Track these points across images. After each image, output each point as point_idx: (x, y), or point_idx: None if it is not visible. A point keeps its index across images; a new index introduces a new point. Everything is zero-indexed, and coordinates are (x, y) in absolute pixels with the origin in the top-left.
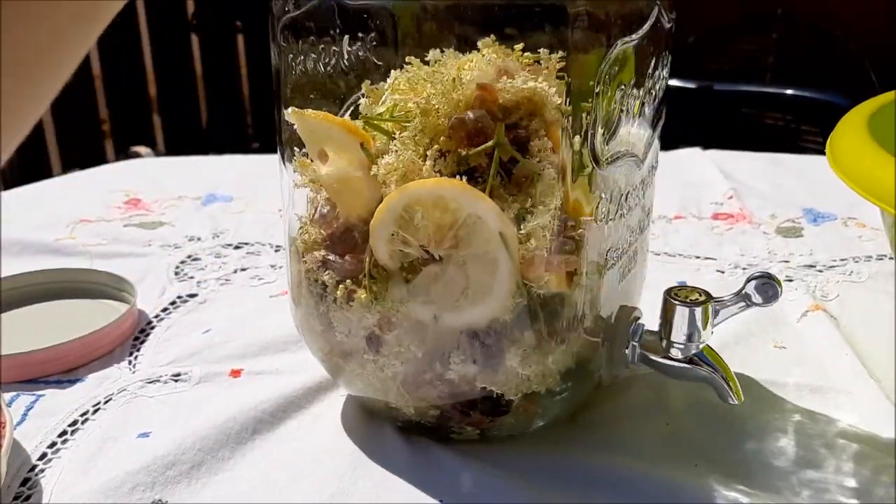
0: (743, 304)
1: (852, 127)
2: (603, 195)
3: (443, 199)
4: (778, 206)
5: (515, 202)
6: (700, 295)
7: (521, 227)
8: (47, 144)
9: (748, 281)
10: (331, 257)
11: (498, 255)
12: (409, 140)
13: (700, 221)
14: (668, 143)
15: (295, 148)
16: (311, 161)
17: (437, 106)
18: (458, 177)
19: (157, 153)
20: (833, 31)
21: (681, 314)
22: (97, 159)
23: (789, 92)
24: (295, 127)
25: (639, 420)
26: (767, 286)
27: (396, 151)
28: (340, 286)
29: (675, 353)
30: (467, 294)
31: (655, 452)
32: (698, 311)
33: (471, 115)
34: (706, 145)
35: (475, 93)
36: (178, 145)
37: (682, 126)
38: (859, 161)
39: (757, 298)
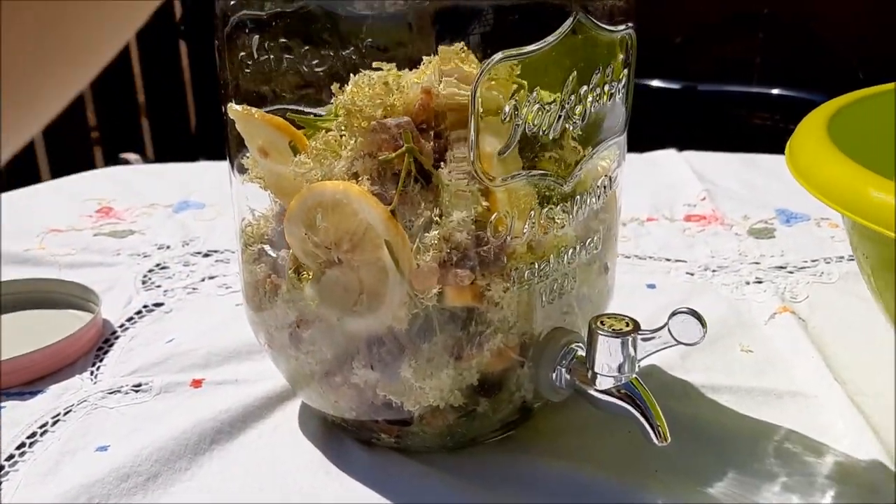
0: (668, 340)
1: (811, 129)
2: (507, 211)
3: (341, 203)
4: (751, 208)
5: (426, 210)
6: (627, 325)
7: (423, 236)
8: (36, 152)
9: (671, 316)
10: (267, 249)
11: (386, 263)
12: (331, 140)
13: (672, 223)
14: (652, 144)
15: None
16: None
17: (361, 108)
18: (372, 181)
19: (147, 160)
20: (820, 32)
21: (603, 343)
22: (86, 167)
23: (775, 92)
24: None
25: (602, 428)
26: (688, 322)
27: (314, 150)
28: (268, 279)
29: (599, 382)
30: (362, 300)
31: (616, 459)
32: (618, 342)
33: (392, 120)
34: (691, 146)
35: (419, 97)
36: (167, 151)
37: (665, 127)
38: (817, 164)
39: (680, 336)
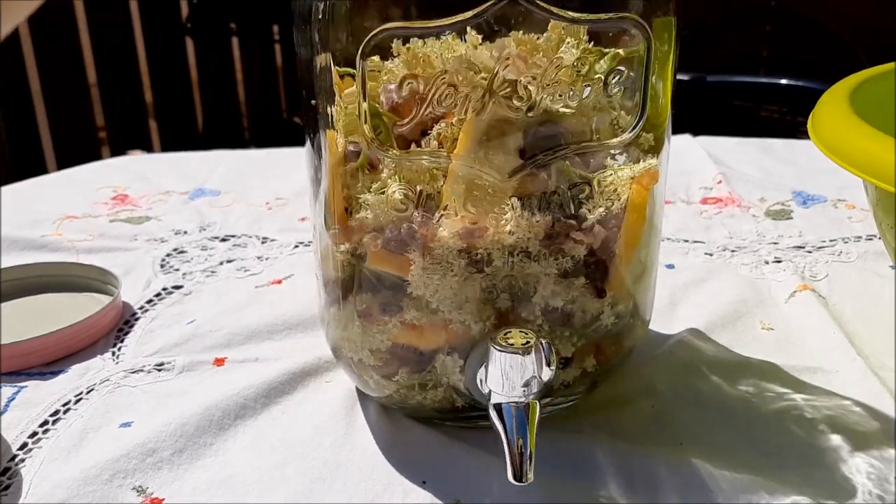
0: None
1: (834, 100)
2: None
3: None
4: (767, 190)
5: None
6: (526, 343)
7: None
8: (44, 151)
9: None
10: None
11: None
12: None
13: (689, 206)
14: None
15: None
16: None
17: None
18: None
19: None
20: (827, 23)
21: (495, 357)
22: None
23: (783, 82)
24: None
25: (626, 404)
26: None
27: None
28: None
29: (492, 398)
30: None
31: (640, 433)
32: (508, 358)
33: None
34: (700, 135)
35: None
36: (174, 150)
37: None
38: (840, 134)
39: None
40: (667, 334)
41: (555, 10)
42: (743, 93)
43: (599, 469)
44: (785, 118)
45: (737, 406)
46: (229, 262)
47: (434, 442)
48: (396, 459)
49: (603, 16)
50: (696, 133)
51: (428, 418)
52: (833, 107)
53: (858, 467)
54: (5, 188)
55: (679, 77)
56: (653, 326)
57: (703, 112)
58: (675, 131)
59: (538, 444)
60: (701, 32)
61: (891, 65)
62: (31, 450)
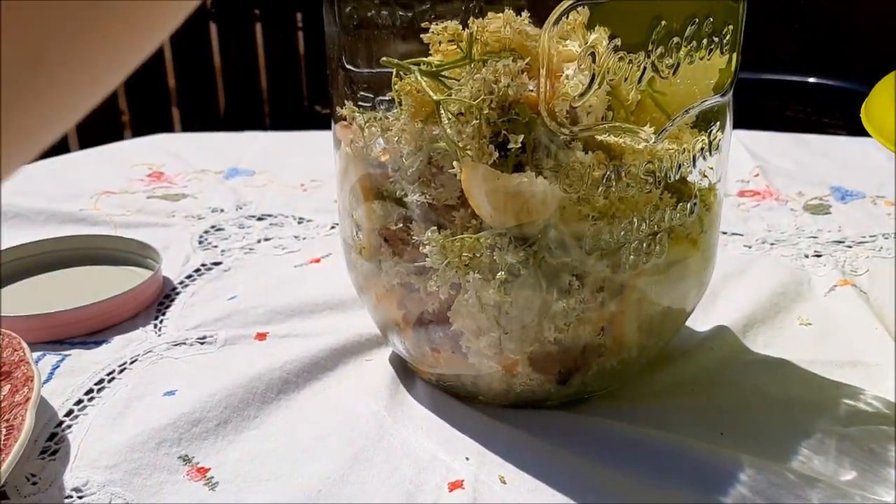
0: None
1: (887, 91)
2: None
3: None
4: (805, 185)
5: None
6: None
7: None
8: (67, 136)
9: None
10: None
11: None
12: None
13: (727, 198)
14: None
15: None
16: None
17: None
18: None
19: None
20: (856, 21)
21: None
22: None
23: (811, 80)
24: None
25: (666, 394)
26: None
27: None
28: None
29: None
30: None
31: (682, 422)
32: None
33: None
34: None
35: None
36: None
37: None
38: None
39: None
40: (705, 328)
41: None
42: (770, 90)
43: (639, 455)
44: (810, 118)
45: (777, 397)
46: (267, 240)
47: (477, 419)
48: (439, 435)
49: None
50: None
51: (471, 397)
52: (887, 96)
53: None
54: (39, 163)
55: None
56: (692, 319)
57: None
58: None
59: (577, 428)
60: None
61: None
62: (77, 416)
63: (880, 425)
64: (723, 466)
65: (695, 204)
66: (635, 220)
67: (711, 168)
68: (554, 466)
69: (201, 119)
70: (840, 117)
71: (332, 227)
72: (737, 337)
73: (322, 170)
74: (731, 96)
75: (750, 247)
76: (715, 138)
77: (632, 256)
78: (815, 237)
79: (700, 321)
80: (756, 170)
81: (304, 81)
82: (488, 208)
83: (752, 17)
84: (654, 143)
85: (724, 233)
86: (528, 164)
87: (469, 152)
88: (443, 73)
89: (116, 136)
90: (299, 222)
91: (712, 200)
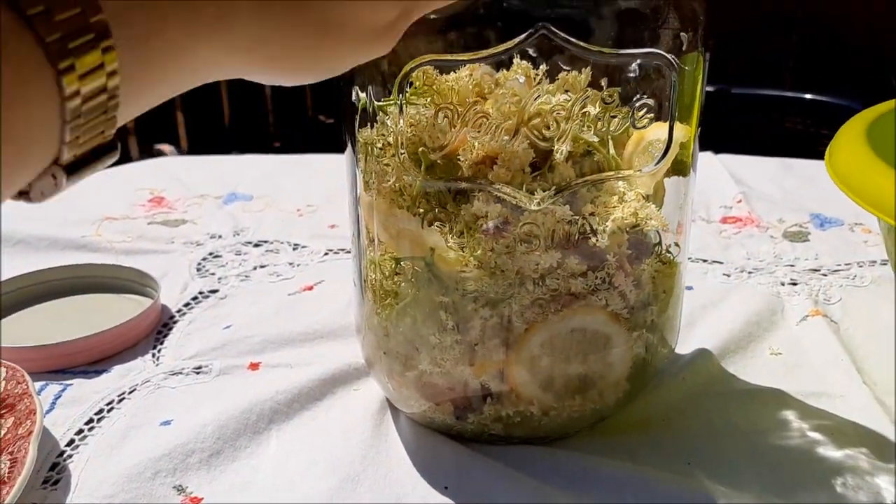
0: None
1: (851, 136)
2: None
3: None
4: (786, 211)
5: None
6: None
7: None
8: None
9: None
10: None
11: None
12: None
13: (709, 224)
14: None
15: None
16: None
17: None
18: None
19: (181, 151)
20: (854, 35)
21: None
22: (122, 156)
23: (808, 96)
24: None
25: (640, 426)
26: None
27: None
28: None
29: None
30: None
31: (652, 454)
32: None
33: None
34: (724, 149)
35: None
36: (201, 143)
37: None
38: (856, 170)
39: None
40: (681, 356)
41: (585, 45)
42: (767, 106)
43: (610, 486)
44: (808, 130)
45: (743, 428)
46: (262, 267)
47: (456, 451)
48: (420, 464)
49: (632, 52)
50: (719, 145)
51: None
52: (850, 141)
53: (858, 487)
54: None
55: (705, 88)
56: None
57: (726, 124)
58: (701, 142)
59: (551, 461)
60: (726, 43)
61: None
62: (77, 446)
63: (840, 457)
64: (689, 498)
65: (609, 276)
66: (519, 277)
67: (677, 245)
68: (527, 497)
69: (206, 126)
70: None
71: (326, 254)
72: (709, 367)
73: (318, 194)
74: (691, 179)
75: (729, 275)
76: (646, 218)
77: (525, 313)
78: (792, 265)
79: (678, 349)
80: (739, 195)
81: (308, 92)
82: (384, 234)
83: (751, 29)
84: (541, 207)
85: (705, 261)
86: (421, 204)
87: (371, 183)
88: (384, 109)
89: (121, 141)
90: (294, 248)
91: (668, 281)
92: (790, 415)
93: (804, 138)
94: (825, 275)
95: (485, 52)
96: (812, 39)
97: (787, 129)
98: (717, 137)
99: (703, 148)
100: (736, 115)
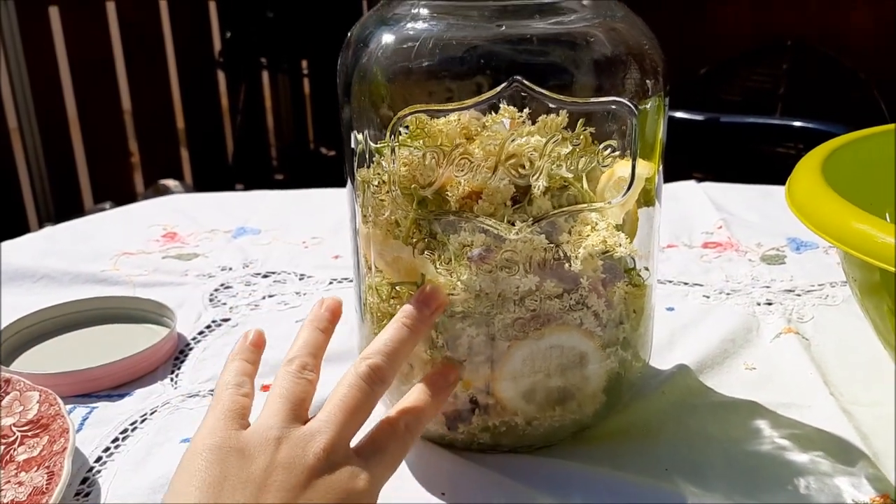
0: None
1: (807, 169)
2: None
3: None
4: (764, 236)
5: None
6: None
7: None
8: (79, 176)
9: None
10: None
11: None
12: None
13: (690, 250)
14: (675, 175)
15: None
16: None
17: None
18: None
19: (185, 186)
20: (844, 62)
21: None
22: (127, 191)
23: (797, 124)
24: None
25: (621, 436)
26: None
27: None
28: None
29: None
30: None
31: (632, 460)
32: None
33: None
34: (713, 177)
35: None
36: (204, 178)
37: (689, 158)
38: (811, 200)
39: None
40: (661, 371)
41: (554, 95)
42: (756, 134)
43: (592, 489)
44: (800, 154)
45: (718, 436)
46: (271, 296)
47: (452, 460)
48: (419, 472)
49: (597, 99)
50: (707, 170)
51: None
52: (806, 174)
53: (820, 489)
54: (62, 225)
55: (693, 117)
56: (651, 363)
57: (716, 152)
58: (688, 170)
59: (537, 470)
60: (718, 70)
61: (861, 132)
62: (105, 462)
63: (810, 454)
64: (665, 499)
65: (583, 297)
66: (501, 298)
67: (647, 269)
68: (516, 500)
69: (210, 161)
70: None
71: (331, 283)
72: (687, 381)
73: (322, 227)
74: (657, 209)
75: (708, 297)
76: (615, 245)
77: (507, 331)
78: (768, 286)
79: (659, 365)
80: (720, 222)
81: (309, 125)
82: (381, 262)
83: (742, 56)
84: (519, 236)
85: (686, 283)
86: (414, 234)
87: (368, 216)
88: (380, 151)
89: (126, 175)
90: (300, 279)
91: (638, 301)
92: (761, 424)
93: (794, 165)
94: (799, 295)
95: (468, 102)
96: (803, 66)
97: (777, 155)
98: (706, 165)
99: (693, 176)
100: (725, 143)
